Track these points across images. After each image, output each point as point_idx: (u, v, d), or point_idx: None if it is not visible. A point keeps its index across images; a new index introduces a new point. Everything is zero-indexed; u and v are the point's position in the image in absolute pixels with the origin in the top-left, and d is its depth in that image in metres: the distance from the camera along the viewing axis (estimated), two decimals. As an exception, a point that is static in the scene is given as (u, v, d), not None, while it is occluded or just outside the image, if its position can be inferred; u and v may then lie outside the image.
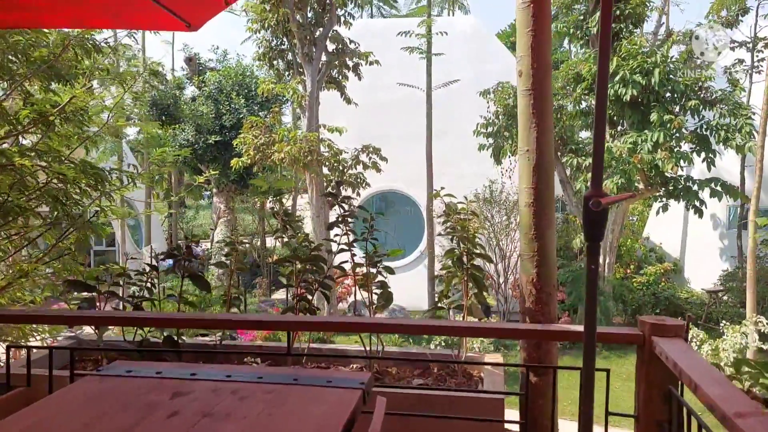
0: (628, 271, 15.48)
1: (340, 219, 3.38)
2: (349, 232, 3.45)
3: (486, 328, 2.39)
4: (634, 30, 12.60)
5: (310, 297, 3.27)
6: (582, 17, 12.92)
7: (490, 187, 14.18)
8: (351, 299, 15.18)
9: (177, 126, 17.05)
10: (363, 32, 15.78)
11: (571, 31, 13.08)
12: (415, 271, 15.80)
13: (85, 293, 3.22)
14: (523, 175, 3.15)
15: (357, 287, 3.40)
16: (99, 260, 20.57)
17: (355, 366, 3.33)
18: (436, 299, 3.58)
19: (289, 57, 14.57)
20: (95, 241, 21.20)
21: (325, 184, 13.76)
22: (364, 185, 13.82)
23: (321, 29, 13.52)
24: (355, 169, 13.58)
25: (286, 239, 3.57)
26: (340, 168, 13.40)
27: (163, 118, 17.77)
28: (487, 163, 14.40)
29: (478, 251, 3.42)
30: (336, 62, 13.87)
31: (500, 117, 13.59)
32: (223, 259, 16.07)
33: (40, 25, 3.71)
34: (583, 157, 12.41)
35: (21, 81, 4.51)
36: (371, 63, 13.78)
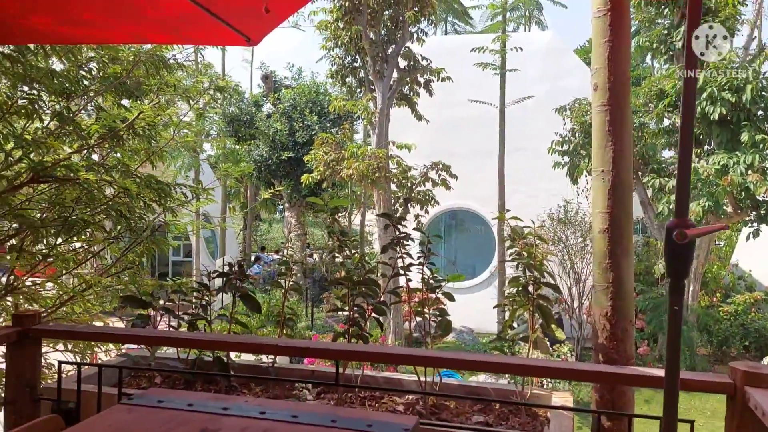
0: (714, 299, 14.50)
1: (395, 241, 3.21)
2: (404, 255, 3.28)
3: (552, 368, 2.16)
4: (724, 44, 11.88)
5: (362, 322, 3.11)
6: (666, 31, 12.32)
7: (566, 207, 13.65)
8: (419, 319, 14.93)
9: (251, 142, 17.45)
10: (437, 49, 15.67)
11: (654, 45, 12.48)
12: (485, 292, 15.41)
13: (140, 309, 3.21)
14: (597, 198, 2.89)
15: (413, 314, 3.21)
16: (176, 271, 21.29)
17: (410, 397, 3.14)
18: (500, 330, 3.32)
19: (361, 74, 14.64)
20: (173, 252, 22.00)
21: (393, 200, 13.66)
22: (432, 203, 13.63)
23: (393, 46, 13.50)
24: (424, 186, 13.41)
25: (341, 259, 3.44)
26: (408, 185, 13.27)
27: (239, 134, 18.25)
28: (562, 181, 13.90)
29: (545, 280, 3.16)
30: (407, 79, 13.81)
31: (576, 134, 13.11)
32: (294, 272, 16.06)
33: (104, 41, 3.77)
34: (666, 178, 11.76)
35: (94, 96, 4.62)
36: (443, 79, 13.63)
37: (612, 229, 2.81)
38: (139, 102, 4.58)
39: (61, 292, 4.15)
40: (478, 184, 15.27)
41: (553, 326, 3.09)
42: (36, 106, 4.54)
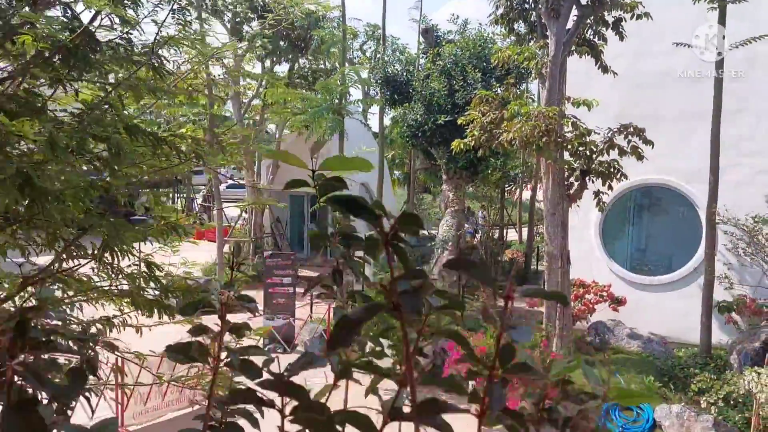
0: None
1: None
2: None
3: None
4: None
5: None
6: None
7: (812, 187, 9.99)
8: (592, 318, 12.16)
9: (407, 105, 15.56)
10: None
11: None
12: (685, 291, 12.13)
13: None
14: None
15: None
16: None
17: None
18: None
19: (533, 17, 11.98)
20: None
21: (566, 173, 10.98)
22: (619, 176, 10.69)
23: (574, -24, 10.67)
24: (608, 154, 10.54)
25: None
26: (587, 153, 10.49)
27: (396, 96, 16.48)
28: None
29: None
30: (591, 18, 10.91)
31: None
32: (446, 254, 13.82)
33: None
34: None
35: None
36: (639, 17, 10.52)
37: None
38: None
39: None
40: (683, 154, 11.93)
41: None
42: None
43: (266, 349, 11.92)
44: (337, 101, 13.39)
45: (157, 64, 3.47)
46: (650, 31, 11.66)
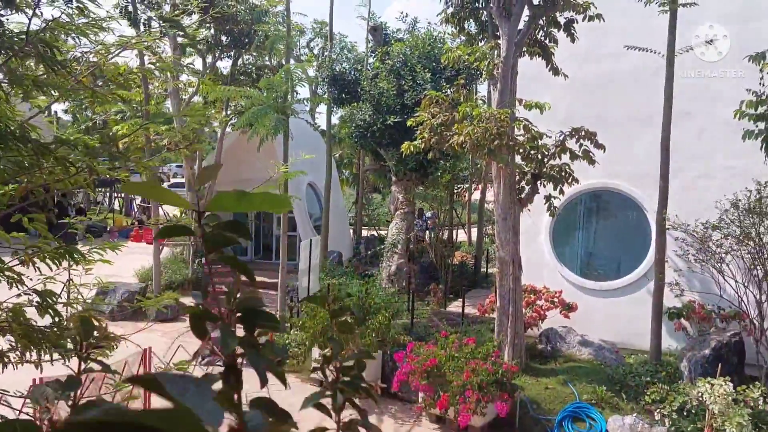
0: None
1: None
2: None
3: None
4: None
5: None
6: None
7: (760, 192, 9.94)
8: (544, 325, 11.93)
9: (355, 104, 15.07)
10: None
11: None
12: (634, 297, 12.03)
13: None
14: None
15: None
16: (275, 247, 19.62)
17: None
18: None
19: (484, 16, 11.68)
20: (276, 224, 20.48)
21: (517, 177, 10.70)
22: (570, 181, 10.49)
23: (525, -24, 10.39)
24: (560, 158, 10.31)
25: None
26: (539, 157, 10.23)
27: (343, 95, 15.97)
28: (754, 157, 10.13)
29: None
30: (542, 19, 10.66)
31: (783, 91, 9.33)
32: (396, 257, 13.39)
33: None
34: None
35: None
36: (591, 18, 10.33)
37: None
38: None
39: None
40: (633, 158, 11.84)
41: None
42: None
43: (205, 360, 11.19)
44: (281, 99, 12.76)
45: (45, 54, 2.88)
46: (599, 33, 11.51)
